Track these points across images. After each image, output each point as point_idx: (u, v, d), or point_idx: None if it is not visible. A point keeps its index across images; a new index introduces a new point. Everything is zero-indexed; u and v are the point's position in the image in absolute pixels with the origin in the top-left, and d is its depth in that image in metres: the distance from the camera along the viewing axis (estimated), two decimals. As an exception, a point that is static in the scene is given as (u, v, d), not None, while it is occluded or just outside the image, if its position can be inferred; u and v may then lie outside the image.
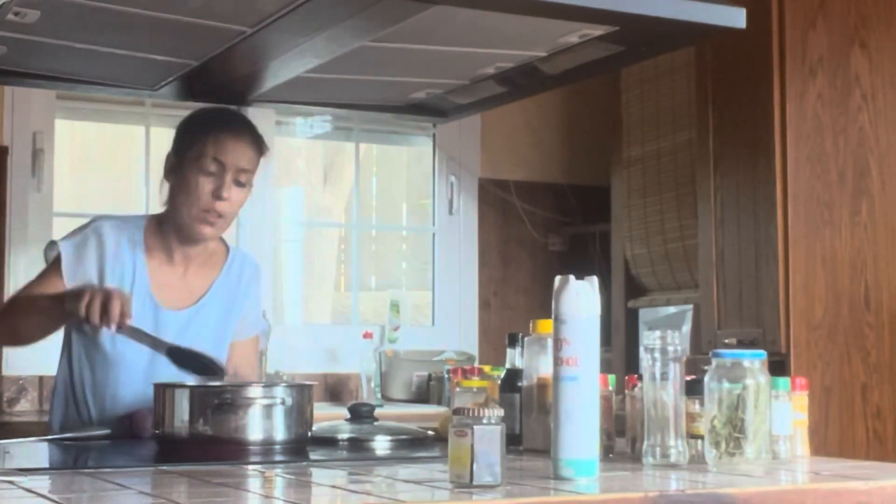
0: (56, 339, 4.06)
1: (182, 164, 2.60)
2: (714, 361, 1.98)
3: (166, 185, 2.66)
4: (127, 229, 2.65)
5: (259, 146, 2.66)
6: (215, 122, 2.63)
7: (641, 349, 2.01)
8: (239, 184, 2.60)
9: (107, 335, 2.55)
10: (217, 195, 2.57)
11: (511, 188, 4.89)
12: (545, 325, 2.16)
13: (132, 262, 2.62)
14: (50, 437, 2.43)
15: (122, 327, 2.40)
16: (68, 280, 2.57)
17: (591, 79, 3.79)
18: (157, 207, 2.72)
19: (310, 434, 2.23)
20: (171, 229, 2.65)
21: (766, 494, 1.68)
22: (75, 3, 2.10)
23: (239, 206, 2.65)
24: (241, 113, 2.73)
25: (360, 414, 2.41)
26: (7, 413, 3.94)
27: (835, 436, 3.51)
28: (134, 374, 2.57)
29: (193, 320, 2.65)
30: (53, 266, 2.62)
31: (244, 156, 2.61)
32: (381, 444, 2.32)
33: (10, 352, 4.04)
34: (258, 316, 2.84)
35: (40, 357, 4.06)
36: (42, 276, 2.65)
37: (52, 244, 2.66)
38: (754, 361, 1.96)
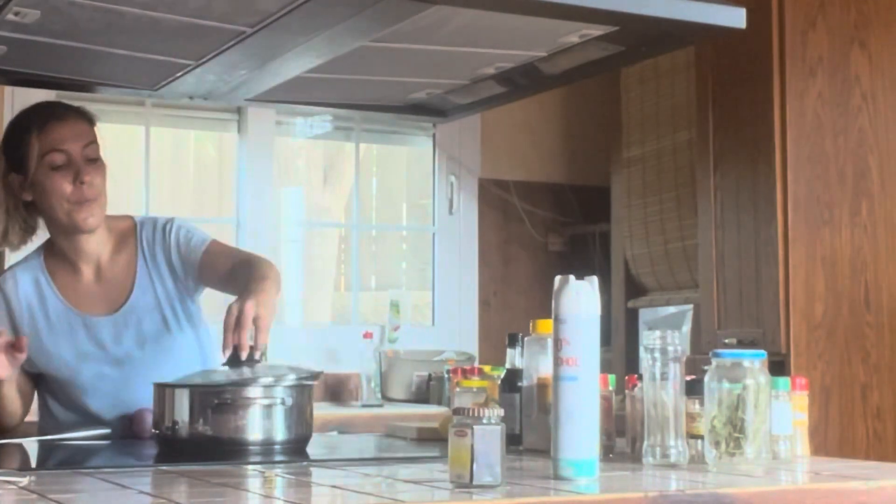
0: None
1: (29, 175, 2.51)
2: (714, 361, 1.98)
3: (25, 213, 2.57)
4: (25, 268, 2.61)
5: (87, 117, 2.59)
6: (34, 120, 2.54)
7: (641, 349, 2.01)
8: (91, 160, 2.54)
9: (62, 363, 2.55)
10: (80, 181, 2.49)
11: (511, 188, 4.89)
12: (545, 325, 2.16)
13: (38, 294, 2.58)
14: (50, 437, 2.43)
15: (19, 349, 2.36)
16: None
17: (591, 79, 3.80)
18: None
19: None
20: (62, 243, 2.58)
21: (766, 494, 1.69)
22: (75, 3, 2.10)
23: (104, 183, 2.56)
24: (50, 101, 2.63)
25: (241, 360, 2.23)
26: (7, 413, 3.93)
27: (835, 436, 3.52)
28: (99, 387, 2.56)
29: (130, 318, 2.58)
30: None
31: (80, 132, 2.54)
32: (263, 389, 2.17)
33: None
34: (193, 233, 2.65)
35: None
36: None
37: None
38: (754, 361, 1.96)
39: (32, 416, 3.88)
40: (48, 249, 2.64)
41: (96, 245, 2.59)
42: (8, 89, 4.11)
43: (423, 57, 2.43)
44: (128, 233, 2.65)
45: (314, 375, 2.25)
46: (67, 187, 2.49)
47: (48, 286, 2.59)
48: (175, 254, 2.61)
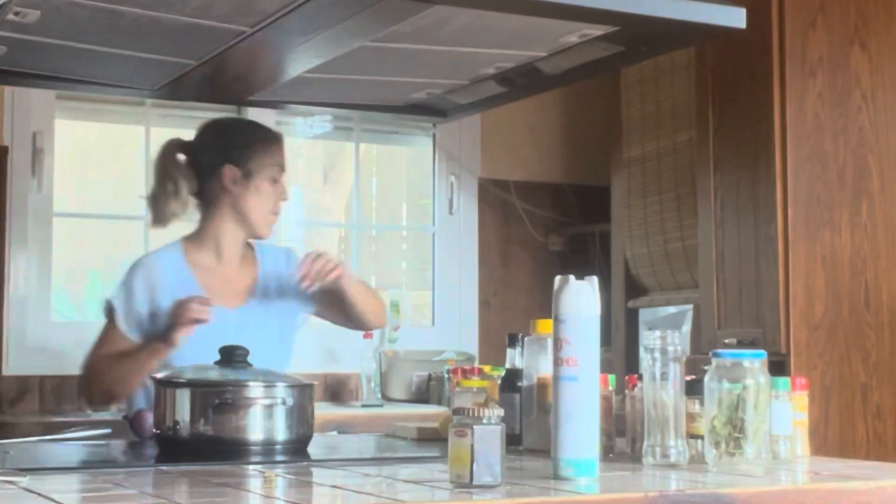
0: (57, 337, 4.07)
1: (252, 174, 2.84)
2: (714, 361, 1.98)
3: (190, 202, 2.87)
4: (165, 258, 2.84)
5: None
6: (263, 133, 2.92)
7: (641, 349, 2.01)
8: None
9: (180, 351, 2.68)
10: (284, 197, 2.90)
11: (511, 188, 4.89)
12: (545, 325, 2.16)
13: (179, 280, 2.79)
14: (50, 437, 2.43)
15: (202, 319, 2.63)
16: (126, 327, 2.75)
17: (591, 79, 3.80)
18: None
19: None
20: (220, 235, 2.86)
21: (766, 494, 1.69)
22: (75, 3, 2.10)
23: None
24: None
25: (234, 358, 2.27)
26: (7, 413, 3.94)
27: (835, 436, 3.52)
28: None
29: (251, 314, 2.83)
30: (110, 322, 2.78)
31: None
32: (264, 389, 2.18)
33: (10, 352, 4.04)
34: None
35: (40, 357, 4.07)
36: (105, 335, 2.77)
37: (107, 301, 2.81)
38: (754, 361, 1.96)
39: (33, 415, 3.89)
40: (189, 244, 2.88)
41: (241, 249, 2.90)
42: (8, 89, 4.11)
43: (423, 57, 2.43)
44: (249, 251, 2.95)
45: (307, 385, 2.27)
46: (273, 199, 2.88)
47: (189, 276, 2.81)
48: (287, 276, 2.88)
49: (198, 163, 2.86)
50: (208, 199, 2.86)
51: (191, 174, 2.85)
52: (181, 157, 2.87)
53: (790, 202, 3.57)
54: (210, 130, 2.92)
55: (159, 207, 2.84)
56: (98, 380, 2.72)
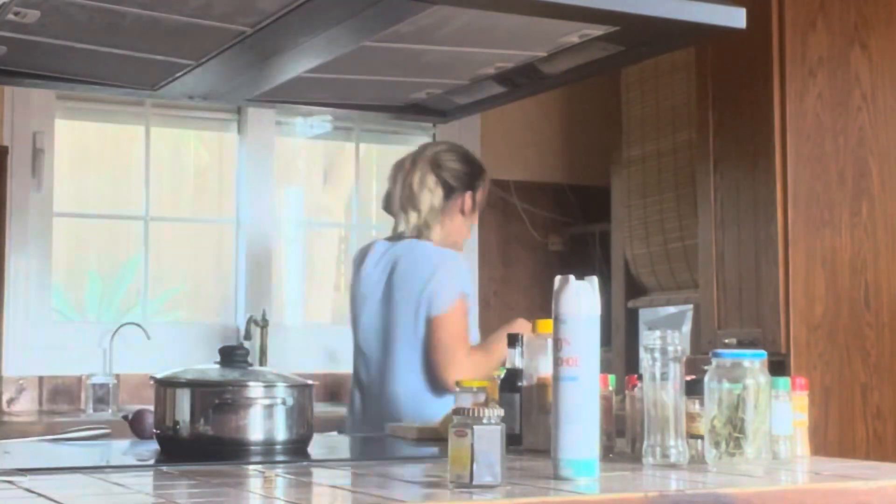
0: (57, 337, 4.07)
1: (475, 203, 3.21)
2: (714, 361, 1.98)
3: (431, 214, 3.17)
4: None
5: None
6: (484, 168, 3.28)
7: (641, 349, 2.01)
8: None
9: None
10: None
11: (511, 188, 4.89)
12: (545, 325, 2.16)
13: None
14: (50, 437, 2.43)
15: None
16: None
17: (591, 79, 3.80)
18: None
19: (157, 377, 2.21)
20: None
21: (765, 494, 1.69)
22: (75, 3, 2.10)
23: None
24: None
25: (234, 358, 2.25)
26: (7, 413, 3.94)
27: (835, 436, 3.52)
28: None
29: None
30: (465, 312, 3.22)
31: None
32: (264, 389, 2.18)
33: (10, 352, 4.05)
34: None
35: (40, 357, 4.07)
36: (465, 326, 3.20)
37: (460, 293, 3.18)
38: (754, 361, 1.96)
39: (33, 416, 3.89)
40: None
41: None
42: (8, 89, 4.11)
43: (423, 57, 2.43)
44: None
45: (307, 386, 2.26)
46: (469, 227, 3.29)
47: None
48: None
49: (443, 180, 3.16)
50: (438, 214, 3.17)
51: (439, 189, 3.17)
52: (434, 170, 3.17)
53: (790, 202, 3.57)
54: (459, 155, 3.24)
55: (417, 215, 3.16)
56: (472, 371, 2.95)
